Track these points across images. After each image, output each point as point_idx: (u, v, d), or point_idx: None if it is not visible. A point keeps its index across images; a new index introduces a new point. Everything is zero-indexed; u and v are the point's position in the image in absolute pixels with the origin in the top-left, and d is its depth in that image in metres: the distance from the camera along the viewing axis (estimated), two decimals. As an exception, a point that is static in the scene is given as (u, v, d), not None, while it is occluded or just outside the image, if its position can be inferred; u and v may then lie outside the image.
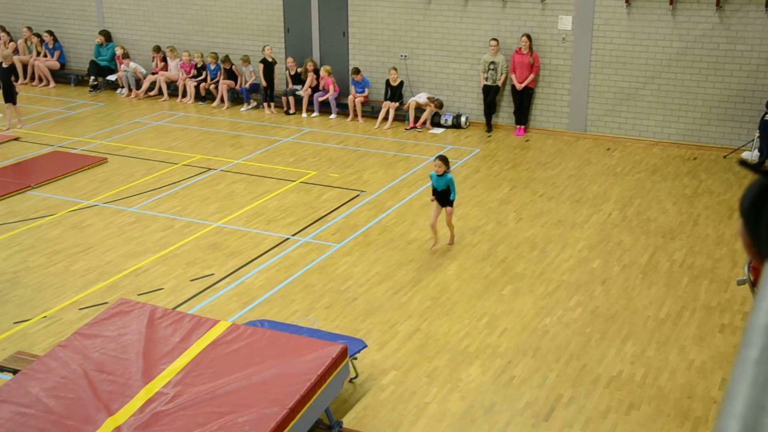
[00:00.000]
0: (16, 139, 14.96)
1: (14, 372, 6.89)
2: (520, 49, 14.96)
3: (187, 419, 5.65)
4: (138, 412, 5.77)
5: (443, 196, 9.95)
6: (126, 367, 6.27)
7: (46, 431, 5.57)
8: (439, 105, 15.76)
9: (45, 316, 8.67)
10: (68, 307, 8.87)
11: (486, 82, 15.35)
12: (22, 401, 5.85)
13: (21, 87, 15.95)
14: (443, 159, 9.92)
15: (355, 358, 7.49)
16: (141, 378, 6.13)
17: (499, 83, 15.32)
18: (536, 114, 15.47)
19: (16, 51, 19.23)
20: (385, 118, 15.93)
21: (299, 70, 16.96)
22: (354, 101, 16.31)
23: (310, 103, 16.82)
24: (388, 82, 16.00)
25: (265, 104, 17.03)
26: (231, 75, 17.39)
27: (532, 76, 15.01)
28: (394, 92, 15.96)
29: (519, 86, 15.10)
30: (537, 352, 7.99)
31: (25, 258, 10.10)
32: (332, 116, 16.61)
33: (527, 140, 15.05)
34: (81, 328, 6.83)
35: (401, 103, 15.98)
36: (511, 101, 15.50)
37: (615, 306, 8.87)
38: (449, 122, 15.78)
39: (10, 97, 15.32)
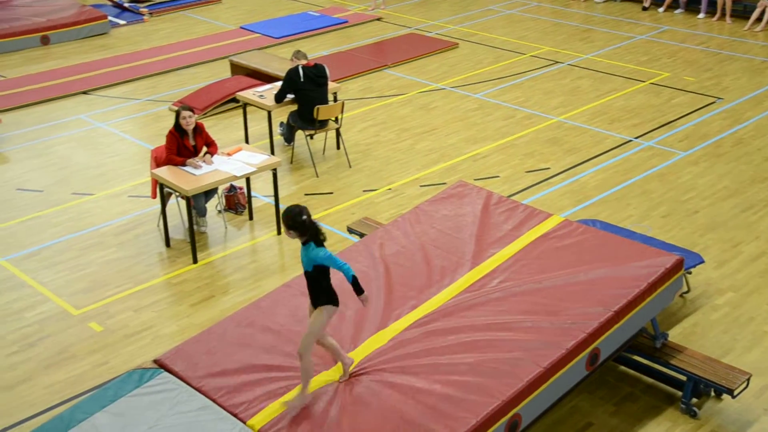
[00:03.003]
0: (379, 19, 15.84)
1: (361, 235, 7.52)
2: None
3: (512, 305, 5.77)
4: (466, 291, 6.01)
5: (312, 284, 5.12)
6: (458, 246, 6.53)
7: (383, 290, 6.03)
8: None
9: (389, 189, 9.29)
10: (410, 183, 9.40)
11: None
12: (366, 262, 6.37)
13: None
14: (289, 219, 4.98)
15: (690, 273, 7.12)
16: (471, 259, 6.35)
17: None
18: None
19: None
20: (759, 19, 14.37)
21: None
22: (723, -2, 14.90)
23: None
24: (765, -22, 14.34)
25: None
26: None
27: None
28: (772, -9, 14.28)
29: None
30: None
31: (377, 132, 10.81)
32: (701, 15, 15.31)
33: None
34: (422, 203, 7.20)
35: (778, 4, 14.29)
36: None
37: None
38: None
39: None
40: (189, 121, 8.05)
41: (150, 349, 6.66)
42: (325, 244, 5.03)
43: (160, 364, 5.51)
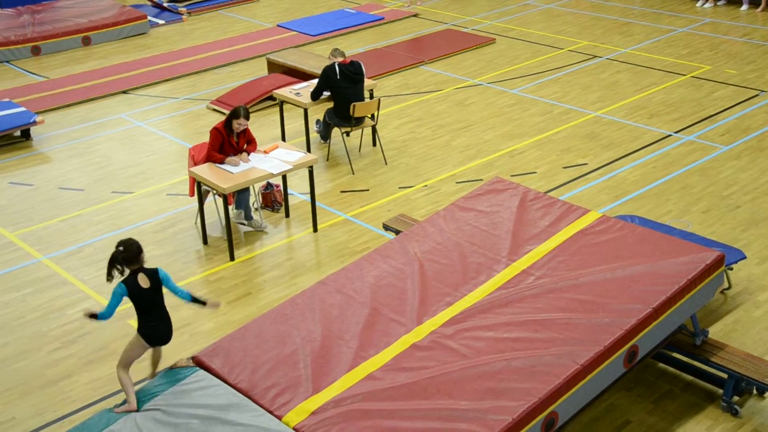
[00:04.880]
0: (415, 15, 15.81)
1: (396, 232, 7.52)
2: None
3: (548, 302, 5.72)
4: (502, 288, 5.97)
5: None
6: (495, 242, 6.49)
7: (418, 287, 6.02)
8: None
9: (425, 185, 9.27)
10: (446, 179, 9.37)
11: None
12: (401, 259, 6.37)
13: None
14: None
15: (731, 269, 7.00)
16: (507, 255, 6.31)
17: None
18: None
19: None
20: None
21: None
22: (767, -11, 14.62)
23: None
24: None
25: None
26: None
27: None
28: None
29: None
30: None
31: (413, 129, 10.79)
32: (744, 7, 15.01)
33: None
34: (457, 200, 7.17)
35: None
36: None
37: None
38: None
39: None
40: (241, 128, 8.05)
41: (187, 346, 6.73)
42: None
43: (197, 361, 5.56)
